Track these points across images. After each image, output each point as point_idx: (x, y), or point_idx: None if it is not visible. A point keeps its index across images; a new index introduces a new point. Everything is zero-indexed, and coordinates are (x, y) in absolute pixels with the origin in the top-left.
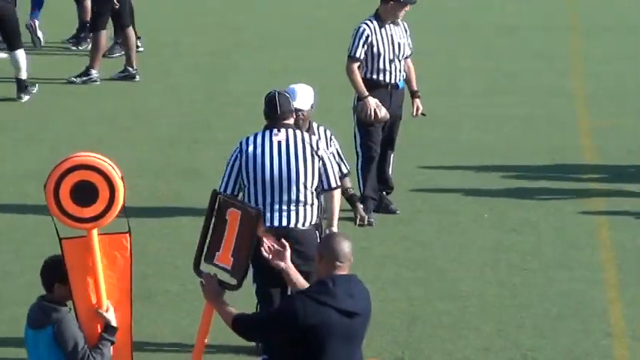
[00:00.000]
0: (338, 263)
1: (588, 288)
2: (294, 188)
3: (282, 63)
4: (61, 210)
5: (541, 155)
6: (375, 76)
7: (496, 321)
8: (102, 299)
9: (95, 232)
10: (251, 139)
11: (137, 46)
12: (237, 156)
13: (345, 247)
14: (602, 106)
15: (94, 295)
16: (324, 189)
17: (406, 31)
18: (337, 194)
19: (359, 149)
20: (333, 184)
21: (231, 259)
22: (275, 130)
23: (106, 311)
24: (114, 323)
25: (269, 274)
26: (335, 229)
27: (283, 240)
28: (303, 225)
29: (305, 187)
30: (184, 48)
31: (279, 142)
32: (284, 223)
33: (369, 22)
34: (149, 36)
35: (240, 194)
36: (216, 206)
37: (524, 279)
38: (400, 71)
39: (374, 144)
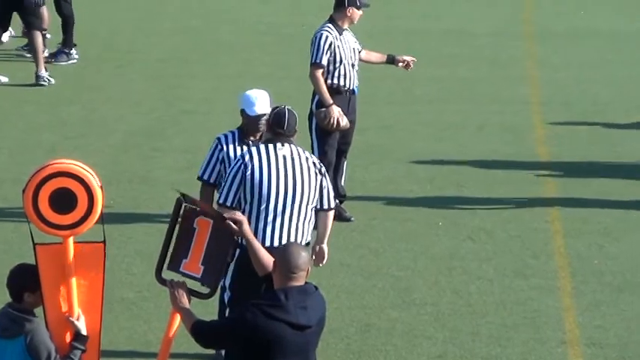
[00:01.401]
0: (292, 274)
1: (543, 296)
2: (297, 205)
3: (236, 69)
4: (39, 216)
5: (496, 162)
6: (336, 82)
7: (450, 329)
8: (73, 307)
9: (71, 239)
10: (254, 152)
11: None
12: (240, 167)
13: (300, 257)
14: (557, 112)
15: (65, 303)
16: (322, 209)
17: (355, 37)
18: (332, 214)
19: (317, 156)
20: (332, 205)
21: (201, 267)
22: (279, 145)
23: (77, 319)
24: (84, 332)
25: (247, 286)
26: (325, 247)
27: (239, 213)
28: (300, 243)
29: (307, 204)
30: (139, 54)
31: (284, 157)
32: (284, 239)
33: (329, 29)
34: (104, 41)
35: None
36: (181, 213)
37: (479, 287)
38: (355, 77)
39: (331, 151)
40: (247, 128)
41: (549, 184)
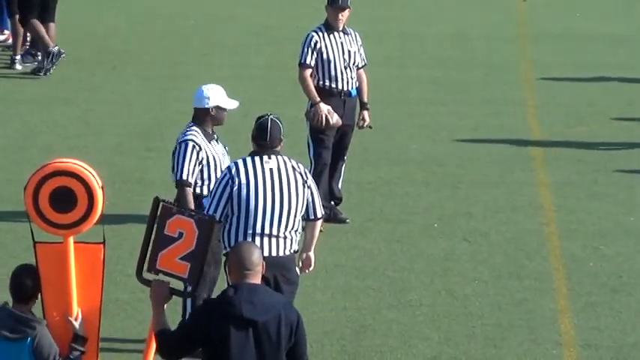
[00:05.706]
0: (245, 271)
1: (538, 297)
2: (284, 217)
3: (230, 70)
4: (39, 214)
5: (491, 164)
6: (327, 84)
7: (446, 330)
8: (73, 307)
9: (71, 239)
10: (240, 165)
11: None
12: (228, 183)
13: (253, 255)
14: (552, 115)
15: (64, 302)
16: (309, 219)
17: (357, 40)
18: (319, 223)
19: (312, 158)
20: (319, 215)
21: (186, 266)
22: (266, 158)
23: (76, 319)
24: (82, 332)
25: None
26: (312, 254)
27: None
28: (289, 252)
29: (295, 216)
30: (133, 55)
31: (271, 170)
32: (273, 252)
33: (317, 30)
34: (98, 42)
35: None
36: (158, 214)
37: (474, 288)
38: (352, 79)
39: (326, 152)
40: (201, 120)
41: (544, 186)
